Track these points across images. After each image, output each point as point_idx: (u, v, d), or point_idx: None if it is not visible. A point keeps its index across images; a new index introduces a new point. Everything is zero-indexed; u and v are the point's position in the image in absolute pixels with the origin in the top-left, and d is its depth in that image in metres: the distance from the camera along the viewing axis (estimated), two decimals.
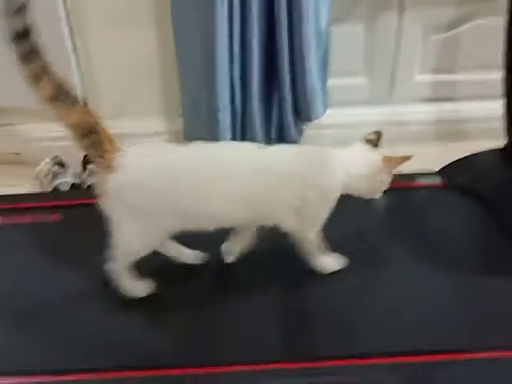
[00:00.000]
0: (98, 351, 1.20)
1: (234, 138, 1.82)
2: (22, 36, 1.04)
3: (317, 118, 1.81)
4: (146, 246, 1.24)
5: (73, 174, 1.83)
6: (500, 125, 1.77)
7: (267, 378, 1.14)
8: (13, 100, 1.82)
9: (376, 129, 1.34)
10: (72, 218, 1.56)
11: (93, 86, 1.88)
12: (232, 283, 1.40)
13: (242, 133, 1.85)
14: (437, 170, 1.72)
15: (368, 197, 1.30)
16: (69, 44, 1.77)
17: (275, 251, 1.40)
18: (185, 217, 1.19)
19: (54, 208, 1.60)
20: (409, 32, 1.88)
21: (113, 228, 1.20)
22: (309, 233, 1.28)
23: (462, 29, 1.88)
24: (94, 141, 1.14)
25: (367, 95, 2.00)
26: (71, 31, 1.77)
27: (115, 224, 1.19)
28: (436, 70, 1.97)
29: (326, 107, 1.83)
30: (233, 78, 1.76)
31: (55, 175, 1.79)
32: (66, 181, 1.79)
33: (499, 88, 1.73)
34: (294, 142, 1.86)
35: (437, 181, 1.63)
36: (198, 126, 1.84)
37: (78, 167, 1.84)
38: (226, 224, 1.25)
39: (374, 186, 1.27)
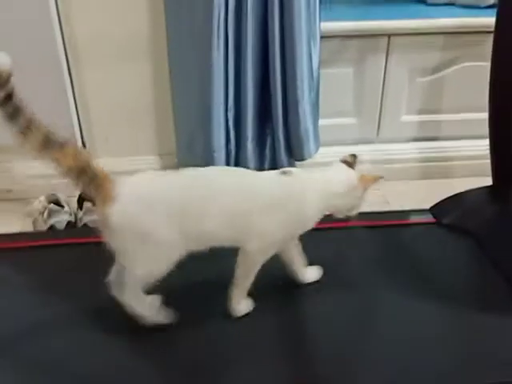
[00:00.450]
0: None
1: None
2: (6, 100, 1.10)
3: (309, 156, 1.87)
4: (155, 271, 1.24)
5: (68, 212, 1.82)
6: (482, 163, 1.84)
7: None
8: (5, 137, 1.84)
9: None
10: (69, 257, 1.55)
11: (88, 124, 1.91)
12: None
13: None
14: (424, 206, 1.77)
15: (345, 214, 1.36)
16: (67, 82, 1.81)
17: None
18: (185, 238, 1.21)
19: (52, 247, 1.59)
20: (395, 75, 1.97)
21: (120, 259, 1.22)
22: (262, 259, 1.31)
23: (445, 72, 1.98)
24: (89, 178, 1.16)
25: (356, 135, 2.07)
26: (69, 69, 1.81)
27: (122, 255, 1.21)
28: (421, 111, 2.06)
29: (318, 146, 1.89)
30: (228, 120, 1.81)
31: (51, 213, 1.78)
32: (61, 219, 1.78)
33: (482, 128, 1.80)
34: None
35: (428, 218, 1.68)
36: (192, 165, 1.87)
37: (74, 205, 1.84)
38: (219, 242, 1.27)
39: (351, 203, 1.34)
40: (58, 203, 1.83)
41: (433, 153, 2.08)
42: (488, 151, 1.75)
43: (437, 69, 1.97)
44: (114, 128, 1.94)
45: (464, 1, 1.97)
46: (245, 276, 1.33)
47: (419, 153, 2.08)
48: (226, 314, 1.35)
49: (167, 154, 1.98)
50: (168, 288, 1.26)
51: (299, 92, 1.75)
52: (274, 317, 1.37)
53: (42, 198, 1.85)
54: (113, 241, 1.19)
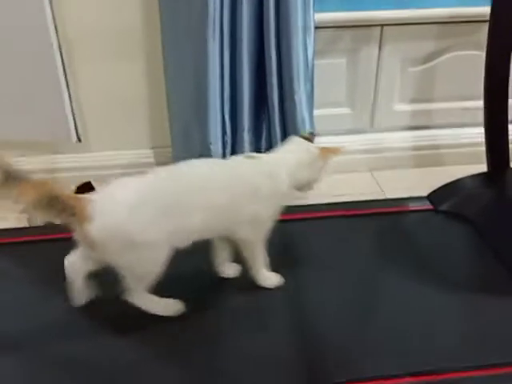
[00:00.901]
0: None
1: None
2: None
3: None
4: (150, 273, 1.25)
5: None
6: (475, 150, 1.87)
7: None
8: (2, 133, 1.82)
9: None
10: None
11: (82, 118, 1.90)
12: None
13: None
14: (419, 194, 1.79)
15: (308, 188, 1.41)
16: (61, 77, 1.79)
17: None
18: (173, 236, 1.21)
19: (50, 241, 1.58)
20: (388, 65, 1.98)
21: (118, 270, 1.22)
22: (260, 240, 1.36)
23: (438, 61, 1.99)
24: (59, 205, 1.14)
25: (350, 124, 2.09)
26: (63, 64, 1.79)
27: (117, 266, 1.21)
28: (414, 100, 2.07)
29: (314, 136, 1.89)
30: (224, 111, 1.81)
31: None
32: None
33: (474, 116, 1.84)
34: None
35: (425, 205, 1.70)
36: (188, 157, 1.86)
37: None
38: (209, 235, 1.32)
39: (314, 174, 1.39)
40: None
41: (426, 141, 2.10)
42: (481, 139, 1.78)
43: (429, 58, 1.99)
44: (109, 122, 1.93)
45: None
46: (253, 257, 1.38)
47: (413, 141, 2.10)
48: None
49: (163, 147, 1.97)
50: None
51: (295, 82, 1.75)
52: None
53: None
54: (103, 255, 1.19)
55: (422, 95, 2.06)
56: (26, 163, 1.92)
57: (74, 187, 1.79)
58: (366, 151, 2.08)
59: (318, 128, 1.92)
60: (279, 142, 1.86)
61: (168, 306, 1.32)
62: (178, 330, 1.29)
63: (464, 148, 2.07)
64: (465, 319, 1.36)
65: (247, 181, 1.30)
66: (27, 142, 1.91)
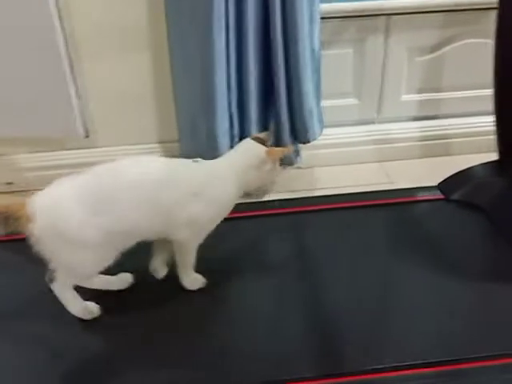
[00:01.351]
0: None
1: None
2: None
3: (314, 138, 1.86)
4: (88, 272, 1.30)
5: None
6: (484, 139, 1.86)
7: None
8: (4, 130, 1.82)
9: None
10: None
11: (90, 114, 1.89)
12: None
13: None
14: (427, 184, 1.79)
15: (262, 192, 1.41)
16: (68, 73, 1.78)
17: None
18: (108, 233, 1.22)
19: None
20: (395, 54, 1.97)
21: (52, 260, 1.25)
22: (196, 242, 1.36)
23: (445, 50, 1.98)
24: (12, 218, 1.20)
25: (357, 115, 2.07)
26: (70, 60, 1.78)
27: (57, 263, 1.25)
28: (421, 90, 2.06)
29: (322, 128, 1.88)
30: (231, 105, 1.80)
31: None
32: None
33: (482, 105, 1.82)
34: (291, 164, 1.92)
35: (436, 194, 1.70)
36: (196, 150, 1.86)
37: None
38: (148, 236, 1.31)
39: (264, 178, 1.40)
40: None
41: (434, 131, 2.08)
42: (489, 128, 1.77)
43: (436, 47, 1.97)
44: (116, 117, 1.92)
45: None
46: (183, 261, 1.38)
47: (420, 131, 2.08)
48: None
49: (170, 142, 1.97)
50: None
51: (302, 73, 1.74)
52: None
53: None
54: (48, 253, 1.23)
55: (430, 85, 2.05)
56: (34, 160, 1.94)
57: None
58: (373, 142, 2.07)
59: (325, 119, 1.91)
60: (287, 135, 1.85)
61: (85, 309, 1.34)
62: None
63: (472, 137, 2.06)
64: (478, 308, 1.36)
65: (187, 181, 1.31)
66: (35, 138, 1.91)
